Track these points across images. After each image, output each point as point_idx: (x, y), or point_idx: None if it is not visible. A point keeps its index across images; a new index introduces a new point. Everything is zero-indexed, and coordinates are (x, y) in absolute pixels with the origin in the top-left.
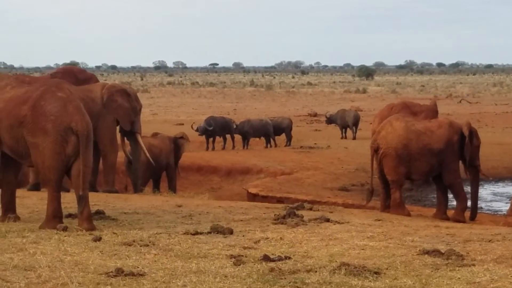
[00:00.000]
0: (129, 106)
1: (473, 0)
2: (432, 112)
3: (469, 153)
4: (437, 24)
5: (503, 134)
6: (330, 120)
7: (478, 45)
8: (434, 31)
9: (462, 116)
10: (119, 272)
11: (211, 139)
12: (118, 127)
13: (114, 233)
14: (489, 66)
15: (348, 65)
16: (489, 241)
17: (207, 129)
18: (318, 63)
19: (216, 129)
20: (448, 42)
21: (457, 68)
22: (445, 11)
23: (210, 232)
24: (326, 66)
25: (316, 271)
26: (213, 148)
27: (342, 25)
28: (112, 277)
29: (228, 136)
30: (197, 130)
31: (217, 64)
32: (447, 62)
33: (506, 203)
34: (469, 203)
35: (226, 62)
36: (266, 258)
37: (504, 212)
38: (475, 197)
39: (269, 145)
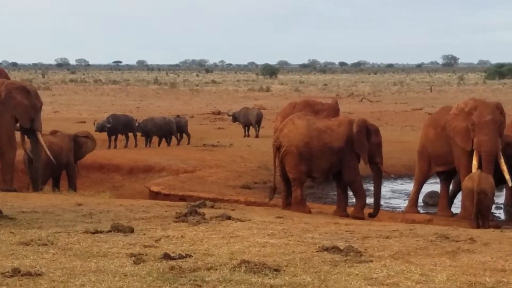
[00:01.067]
0: (29, 104)
1: (376, 0)
2: (334, 110)
3: (361, 150)
4: (340, 24)
5: (402, 132)
6: (234, 118)
7: (379, 45)
8: (337, 30)
9: (363, 114)
10: (15, 272)
11: (113, 137)
12: (18, 125)
13: (11, 232)
14: (390, 66)
15: (252, 63)
16: (387, 237)
17: (105, 126)
18: (222, 61)
19: (119, 127)
20: (351, 41)
21: (359, 67)
22: (348, 11)
23: (110, 231)
24: (231, 64)
25: (216, 269)
26: (115, 146)
27: (246, 24)
28: (8, 277)
29: (130, 134)
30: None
31: (121, 62)
32: (349, 61)
33: (404, 200)
34: (369, 200)
35: (129, 60)
36: (166, 257)
37: (402, 209)
38: (377, 194)
39: (182, 142)
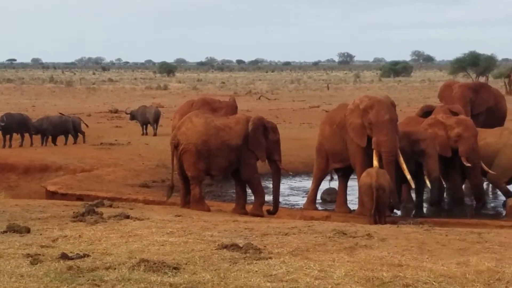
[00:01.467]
0: None
1: None
2: (232, 108)
3: (256, 147)
4: (238, 22)
5: (300, 130)
6: (132, 117)
7: (276, 43)
8: (234, 28)
9: (261, 112)
10: None
11: (8, 136)
12: None
13: None
14: (287, 64)
15: (149, 61)
16: (286, 234)
17: None
18: (119, 59)
19: (13, 126)
20: (248, 39)
21: (256, 65)
22: (245, 9)
23: (6, 231)
24: (127, 62)
25: (115, 268)
26: (10, 146)
27: (143, 22)
28: None
29: (26, 133)
30: None
31: (15, 60)
32: (247, 59)
33: (303, 197)
34: (269, 198)
35: (24, 57)
36: (64, 256)
37: (300, 206)
38: (276, 191)
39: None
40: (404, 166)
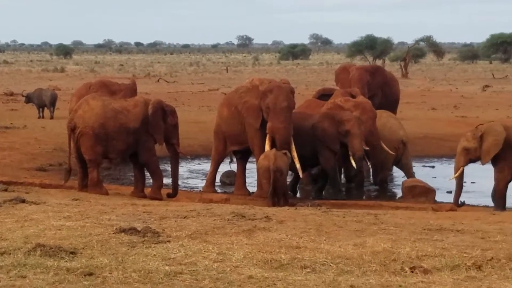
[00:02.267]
0: None
1: None
2: (131, 91)
3: (156, 131)
4: (136, 4)
5: (199, 113)
6: (28, 99)
7: (175, 26)
8: (133, 10)
9: (159, 95)
10: None
11: None
12: None
13: None
14: (186, 46)
15: (45, 43)
16: (184, 217)
17: None
18: (14, 41)
19: None
20: (147, 22)
21: (155, 47)
22: None
23: None
24: (23, 44)
25: (10, 253)
26: None
27: (39, 2)
28: None
29: None
30: None
31: None
32: (145, 41)
33: (202, 180)
34: (167, 181)
35: None
36: None
37: (200, 189)
38: (175, 175)
39: None
40: (295, 154)
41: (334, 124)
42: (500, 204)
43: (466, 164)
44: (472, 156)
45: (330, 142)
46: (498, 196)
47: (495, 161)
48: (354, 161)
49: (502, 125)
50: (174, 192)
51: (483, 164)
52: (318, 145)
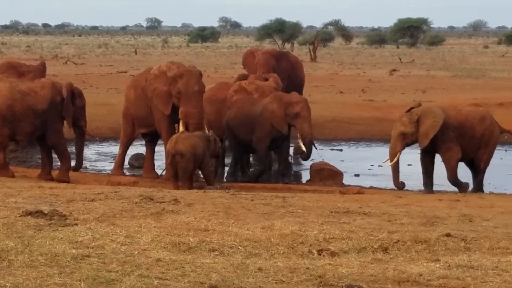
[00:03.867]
0: None
1: None
2: (40, 72)
3: (69, 113)
4: None
5: (107, 95)
6: None
7: (84, 7)
8: None
9: (67, 77)
10: None
11: None
12: None
13: None
14: (94, 28)
15: None
16: (92, 200)
17: None
18: None
19: None
20: (54, 2)
21: (63, 29)
22: None
23: None
24: None
25: None
26: None
27: None
28: None
29: None
30: None
31: None
32: (53, 23)
33: (110, 162)
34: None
35: None
36: None
37: (108, 171)
38: (80, 150)
39: None
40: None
41: (283, 106)
42: (457, 183)
43: (403, 149)
44: (409, 141)
45: (277, 123)
46: (452, 174)
47: (436, 145)
48: (303, 144)
49: (439, 107)
50: (79, 164)
51: (421, 147)
52: (259, 125)
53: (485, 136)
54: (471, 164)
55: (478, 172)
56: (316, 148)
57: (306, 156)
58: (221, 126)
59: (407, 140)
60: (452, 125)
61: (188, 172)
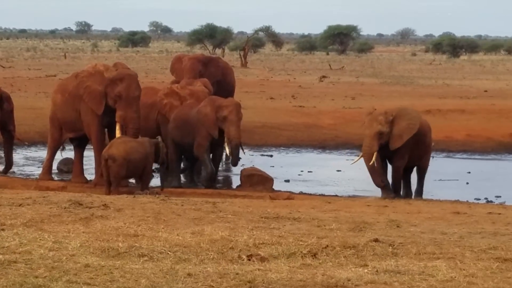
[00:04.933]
0: None
1: None
2: None
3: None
4: None
5: (35, 99)
6: None
7: (12, 9)
8: None
9: None
10: None
11: None
12: None
13: None
14: (23, 31)
15: None
16: (20, 205)
17: None
18: None
19: None
20: None
21: None
22: None
23: None
24: None
25: None
26: None
27: None
28: None
29: None
30: None
31: None
32: None
33: (38, 167)
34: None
35: None
36: None
37: (36, 176)
38: (8, 153)
39: None
40: None
41: (214, 109)
42: (397, 188)
43: (378, 148)
44: (383, 141)
45: (209, 127)
46: (396, 181)
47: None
48: (229, 148)
49: (416, 111)
50: (8, 167)
51: (392, 149)
52: (197, 130)
53: (430, 143)
54: (406, 171)
55: (421, 177)
56: (244, 153)
57: (234, 162)
58: (149, 131)
59: (382, 140)
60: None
61: (120, 177)
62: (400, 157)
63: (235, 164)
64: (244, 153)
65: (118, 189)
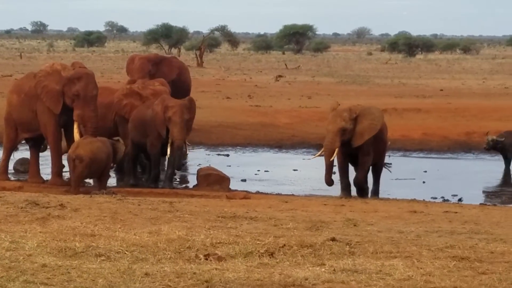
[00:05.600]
0: None
1: None
2: None
3: None
4: None
5: None
6: None
7: None
8: None
9: None
10: None
11: None
12: None
13: None
14: None
15: None
16: None
17: None
18: None
19: None
20: None
21: None
22: None
23: None
24: None
25: None
26: None
27: None
28: None
29: None
30: None
31: None
32: None
33: None
34: None
35: None
36: None
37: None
38: None
39: None
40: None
41: (163, 109)
42: (364, 187)
43: (340, 145)
44: (346, 138)
45: (158, 126)
46: (361, 179)
47: (359, 147)
48: (171, 149)
49: (379, 109)
50: None
51: (354, 146)
52: (149, 129)
53: (386, 141)
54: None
55: (378, 176)
56: (187, 153)
57: (177, 165)
58: (106, 131)
59: (344, 137)
60: None
61: (83, 178)
62: (365, 153)
63: (178, 168)
64: (187, 153)
65: (79, 189)
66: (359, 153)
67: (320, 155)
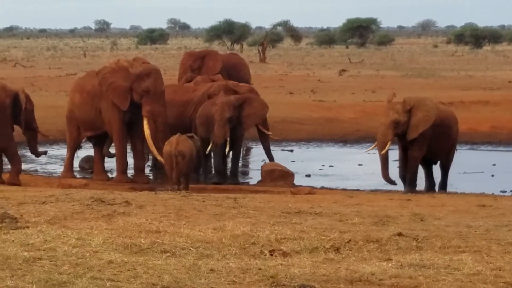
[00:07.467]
0: None
1: None
2: None
3: (23, 117)
4: None
5: (56, 98)
6: None
7: (32, 10)
8: None
9: (16, 80)
10: None
11: None
12: None
13: None
14: (43, 31)
15: None
16: (43, 203)
17: None
18: None
19: None
20: (1, 5)
21: (11, 32)
22: None
23: None
24: None
25: None
26: None
27: None
28: None
29: None
30: None
31: None
32: (1, 26)
33: (61, 165)
34: (26, 166)
35: None
36: None
37: (58, 174)
38: (37, 152)
39: None
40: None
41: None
42: (412, 182)
43: (393, 138)
44: (400, 130)
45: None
46: (411, 173)
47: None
48: (212, 146)
49: (433, 100)
50: (40, 154)
51: (408, 139)
52: (212, 126)
53: (455, 136)
54: (428, 163)
55: (446, 171)
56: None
57: (216, 166)
58: (182, 129)
59: (398, 130)
60: (435, 122)
61: (186, 173)
62: (417, 148)
63: (217, 169)
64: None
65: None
66: (412, 147)
67: (373, 148)
